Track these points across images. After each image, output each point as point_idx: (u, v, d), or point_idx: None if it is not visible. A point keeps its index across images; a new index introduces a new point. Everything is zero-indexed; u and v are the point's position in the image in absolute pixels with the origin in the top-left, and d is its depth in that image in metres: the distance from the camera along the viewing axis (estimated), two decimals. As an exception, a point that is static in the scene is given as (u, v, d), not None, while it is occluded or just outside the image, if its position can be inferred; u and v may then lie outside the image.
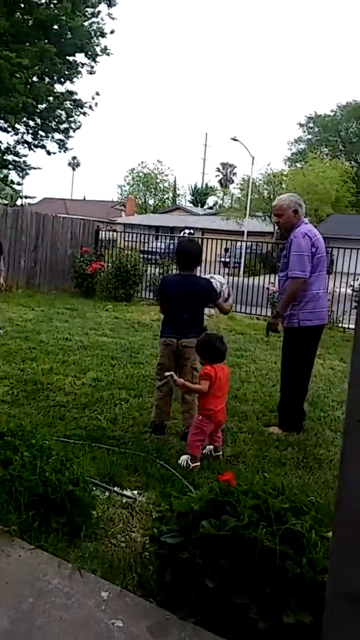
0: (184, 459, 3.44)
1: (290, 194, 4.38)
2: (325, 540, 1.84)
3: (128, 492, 2.98)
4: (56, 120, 22.30)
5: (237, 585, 1.83)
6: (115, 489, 2.99)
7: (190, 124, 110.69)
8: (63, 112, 22.20)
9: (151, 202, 55.65)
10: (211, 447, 3.61)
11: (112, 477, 3.11)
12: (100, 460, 3.28)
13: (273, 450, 3.76)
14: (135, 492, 3.00)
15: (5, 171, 22.93)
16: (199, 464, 3.41)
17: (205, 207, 56.37)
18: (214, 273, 7.42)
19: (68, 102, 21.87)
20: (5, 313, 8.41)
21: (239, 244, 20.49)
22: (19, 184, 27.78)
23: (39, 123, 22.03)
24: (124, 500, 2.87)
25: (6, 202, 13.05)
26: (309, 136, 53.41)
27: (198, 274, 4.23)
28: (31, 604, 1.93)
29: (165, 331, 3.99)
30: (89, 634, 1.81)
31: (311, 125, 53.06)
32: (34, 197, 33.71)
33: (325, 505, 2.08)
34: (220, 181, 69.45)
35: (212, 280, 4.11)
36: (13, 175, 25.45)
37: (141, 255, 12.50)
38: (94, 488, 2.79)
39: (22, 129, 22.26)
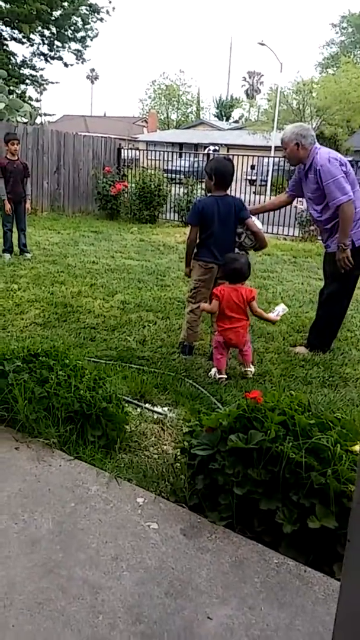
0: (214, 371, 3.65)
1: (294, 125, 4.08)
2: (350, 454, 1.92)
3: (159, 409, 3.11)
4: (72, 28, 21.17)
5: (264, 493, 1.94)
6: (147, 405, 3.13)
7: (214, 28, 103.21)
8: (79, 19, 21.03)
9: (174, 116, 53.30)
10: (241, 367, 3.73)
11: (143, 395, 3.25)
12: (131, 379, 3.40)
13: (299, 370, 3.83)
14: (166, 408, 3.14)
15: (22, 87, 22.09)
16: (225, 376, 3.58)
17: (230, 120, 53.85)
18: (240, 194, 7.09)
19: (83, 8, 20.62)
20: (32, 237, 8.44)
21: (265, 160, 19.67)
22: (37, 100, 26.69)
23: (55, 32, 20.95)
24: (155, 416, 3.00)
25: (25, 120, 12.59)
26: (342, 38, 49.50)
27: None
28: (73, 508, 2.10)
29: (203, 255, 3.90)
30: (127, 534, 1.97)
31: (345, 25, 49.00)
32: (53, 115, 32.44)
33: (350, 421, 2.15)
34: (246, 92, 65.70)
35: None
36: (31, 92, 24.54)
37: (165, 175, 12.15)
38: (126, 405, 2.92)
39: (37, 39, 21.24)
